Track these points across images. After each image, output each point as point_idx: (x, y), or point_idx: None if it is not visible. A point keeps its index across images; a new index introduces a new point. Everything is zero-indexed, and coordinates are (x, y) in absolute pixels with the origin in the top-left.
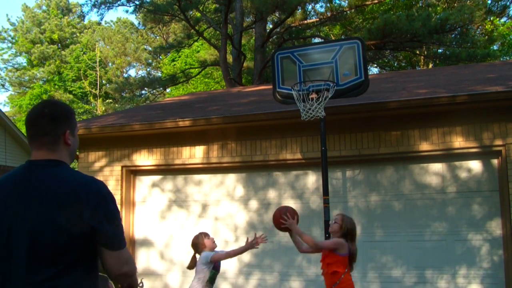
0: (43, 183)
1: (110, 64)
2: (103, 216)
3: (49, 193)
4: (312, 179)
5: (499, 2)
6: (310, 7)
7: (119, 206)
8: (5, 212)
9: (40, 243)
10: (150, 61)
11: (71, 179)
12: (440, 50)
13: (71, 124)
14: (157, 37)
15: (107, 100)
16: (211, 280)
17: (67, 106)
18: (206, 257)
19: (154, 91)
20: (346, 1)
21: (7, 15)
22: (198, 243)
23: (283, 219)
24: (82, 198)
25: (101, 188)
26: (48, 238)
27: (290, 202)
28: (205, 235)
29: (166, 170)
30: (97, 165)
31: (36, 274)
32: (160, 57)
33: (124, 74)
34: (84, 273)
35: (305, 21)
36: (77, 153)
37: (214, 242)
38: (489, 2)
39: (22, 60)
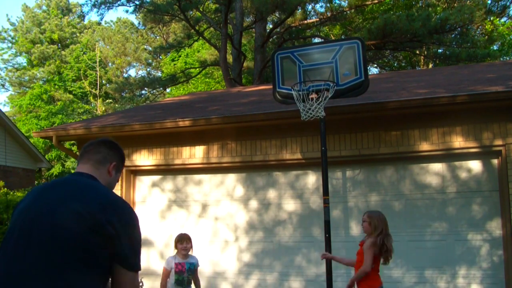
0: (78, 189)
1: (110, 64)
2: (127, 238)
3: (81, 199)
4: (312, 179)
5: (499, 2)
6: (310, 7)
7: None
8: (38, 206)
9: (60, 241)
10: (150, 61)
11: (105, 193)
12: (440, 50)
13: (119, 163)
14: (157, 37)
15: (107, 100)
16: (179, 282)
17: (123, 152)
18: (166, 260)
19: (154, 91)
20: (346, 1)
21: (7, 15)
22: (174, 242)
23: None
24: (110, 213)
25: (129, 209)
26: (69, 238)
27: (290, 202)
28: (181, 239)
29: (166, 170)
30: None
31: (51, 269)
32: (160, 57)
33: (124, 74)
34: (97, 278)
35: (305, 21)
36: (77, 153)
37: (185, 249)
38: (489, 2)
39: (22, 60)
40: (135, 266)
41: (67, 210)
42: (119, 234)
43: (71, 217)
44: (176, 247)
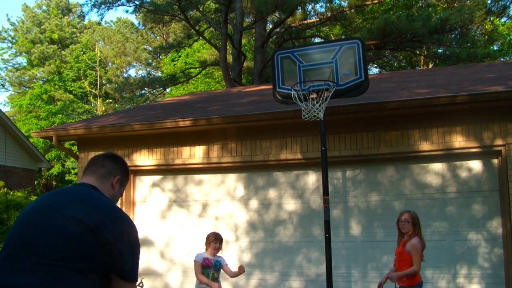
0: (80, 197)
1: (110, 64)
2: (124, 246)
3: (82, 206)
4: (312, 179)
5: (499, 2)
6: (310, 7)
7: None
8: (42, 212)
9: (60, 245)
10: (150, 61)
11: (106, 203)
12: (440, 50)
13: (124, 177)
14: (157, 37)
15: (107, 100)
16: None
17: (128, 167)
18: (197, 255)
19: (154, 91)
20: (346, 1)
21: (7, 15)
22: (207, 239)
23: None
24: (110, 222)
25: (129, 221)
26: (68, 242)
27: (291, 202)
28: (216, 239)
29: (166, 170)
30: None
31: (52, 275)
32: (160, 57)
33: (124, 74)
34: (98, 282)
35: (305, 21)
36: (77, 153)
37: (217, 249)
38: (489, 2)
39: (22, 60)
40: (132, 276)
41: (66, 215)
42: (117, 244)
43: (70, 221)
44: (208, 244)
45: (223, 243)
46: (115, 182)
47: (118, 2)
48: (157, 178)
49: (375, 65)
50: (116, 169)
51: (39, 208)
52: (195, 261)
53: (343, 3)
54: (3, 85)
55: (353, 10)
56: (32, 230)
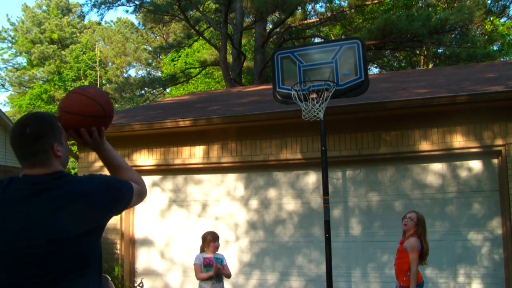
0: (52, 197)
1: (110, 64)
2: (116, 201)
3: (61, 206)
4: (312, 179)
5: (499, 2)
6: (310, 7)
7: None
8: (13, 228)
9: (56, 253)
10: (150, 61)
11: (76, 188)
12: (440, 50)
13: (56, 134)
14: (157, 37)
15: None
16: (209, 277)
17: (48, 116)
18: (195, 258)
19: (154, 91)
20: (346, 1)
21: (7, 15)
22: (205, 239)
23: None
24: (94, 202)
25: (101, 180)
26: (65, 249)
27: (291, 202)
28: (214, 238)
29: (166, 170)
30: (97, 165)
31: (51, 282)
32: (160, 57)
33: (124, 74)
34: (93, 277)
35: (305, 21)
36: (77, 153)
37: (217, 248)
38: (489, 2)
39: (22, 60)
40: (131, 189)
41: (52, 239)
42: (110, 208)
43: (59, 243)
44: (207, 245)
45: (223, 243)
46: (56, 150)
47: (118, 2)
48: (157, 178)
49: (375, 65)
50: (47, 142)
51: (10, 233)
52: (194, 264)
53: (343, 3)
54: (3, 85)
55: (353, 10)
56: (22, 251)
